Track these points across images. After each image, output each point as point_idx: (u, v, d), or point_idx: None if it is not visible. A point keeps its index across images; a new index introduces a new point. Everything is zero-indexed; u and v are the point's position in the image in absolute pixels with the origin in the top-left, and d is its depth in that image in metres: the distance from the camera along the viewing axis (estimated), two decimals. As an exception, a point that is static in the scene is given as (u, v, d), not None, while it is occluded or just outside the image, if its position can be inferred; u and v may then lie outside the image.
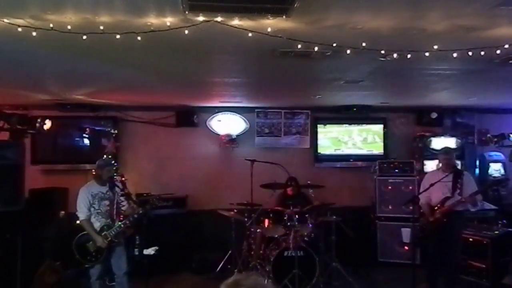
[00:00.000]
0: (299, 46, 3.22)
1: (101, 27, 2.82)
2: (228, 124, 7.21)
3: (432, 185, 4.53)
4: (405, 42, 3.23)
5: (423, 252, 5.55)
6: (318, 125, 7.37)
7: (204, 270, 6.12)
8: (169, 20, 2.77)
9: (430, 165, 6.77)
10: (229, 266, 5.91)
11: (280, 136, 7.35)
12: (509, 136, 5.63)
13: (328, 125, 7.42)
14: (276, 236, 5.48)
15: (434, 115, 7.30)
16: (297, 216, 5.32)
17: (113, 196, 4.48)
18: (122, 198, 4.49)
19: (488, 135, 6.73)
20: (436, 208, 4.68)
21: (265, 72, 4.55)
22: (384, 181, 6.73)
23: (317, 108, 7.23)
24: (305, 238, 5.37)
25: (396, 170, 6.75)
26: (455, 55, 3.39)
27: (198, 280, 5.98)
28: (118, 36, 2.91)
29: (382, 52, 3.40)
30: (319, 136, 7.35)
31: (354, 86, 5.25)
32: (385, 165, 6.84)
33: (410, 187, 6.51)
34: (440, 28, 2.96)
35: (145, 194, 6.16)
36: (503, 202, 6.55)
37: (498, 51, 3.33)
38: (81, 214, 4.43)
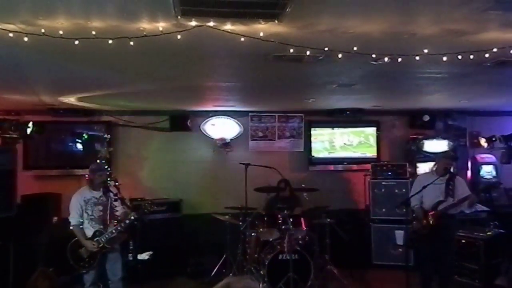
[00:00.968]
0: (291, 50, 3.24)
1: (93, 32, 2.82)
2: (222, 128, 7.22)
3: (424, 187, 4.55)
4: (396, 46, 3.27)
5: (416, 254, 5.57)
6: (312, 129, 7.39)
7: (199, 275, 6.10)
8: (161, 25, 2.78)
9: (423, 168, 6.82)
10: (224, 270, 5.89)
11: (274, 139, 7.37)
12: (500, 138, 5.69)
13: (321, 129, 7.45)
14: (271, 239, 5.49)
15: (426, 118, 7.35)
16: (291, 219, 5.33)
17: (106, 201, 4.45)
18: (116, 203, 4.46)
19: (480, 138, 6.79)
20: (429, 212, 4.69)
21: (258, 76, 4.56)
22: (378, 184, 6.76)
23: (311, 111, 7.26)
24: (300, 242, 5.39)
25: (389, 173, 6.78)
26: (445, 58, 3.44)
27: (193, 285, 5.96)
28: (110, 41, 2.91)
29: (373, 56, 3.44)
30: (313, 139, 7.38)
31: (347, 90, 5.29)
32: (378, 167, 6.88)
33: (403, 190, 6.53)
34: (430, 32, 3.00)
35: (139, 199, 6.15)
36: (494, 203, 6.60)
37: (487, 55, 3.38)
38: (73, 219, 4.40)
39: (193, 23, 2.75)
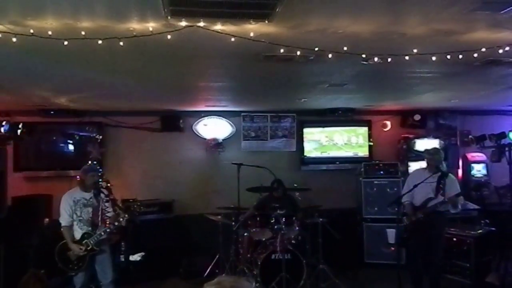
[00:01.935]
0: (282, 50, 3.25)
1: (83, 33, 2.81)
2: (214, 128, 7.21)
3: (415, 186, 4.59)
4: (386, 46, 3.29)
5: (406, 252, 5.61)
6: (304, 129, 7.41)
7: (192, 275, 6.08)
8: (151, 25, 2.77)
9: (415, 167, 6.82)
10: (217, 271, 5.89)
11: (267, 139, 7.38)
12: (490, 137, 5.74)
13: (313, 128, 7.47)
14: (263, 239, 5.49)
15: (417, 117, 7.42)
16: (283, 219, 5.34)
17: (97, 203, 4.40)
18: (107, 205, 4.43)
19: (470, 136, 6.85)
20: (418, 208, 4.74)
21: (249, 76, 4.57)
22: (370, 183, 6.80)
23: (303, 111, 7.28)
24: (292, 241, 5.40)
25: (381, 172, 6.83)
26: (434, 58, 3.48)
27: (186, 286, 5.94)
28: (100, 42, 2.90)
29: (364, 56, 3.46)
30: (305, 139, 7.40)
31: (338, 90, 5.31)
32: (370, 167, 6.92)
33: (395, 189, 6.58)
34: (418, 32, 3.03)
35: (131, 200, 6.12)
36: (485, 202, 6.67)
37: (475, 55, 3.42)
38: (63, 220, 4.37)
39: (183, 23, 2.75)
